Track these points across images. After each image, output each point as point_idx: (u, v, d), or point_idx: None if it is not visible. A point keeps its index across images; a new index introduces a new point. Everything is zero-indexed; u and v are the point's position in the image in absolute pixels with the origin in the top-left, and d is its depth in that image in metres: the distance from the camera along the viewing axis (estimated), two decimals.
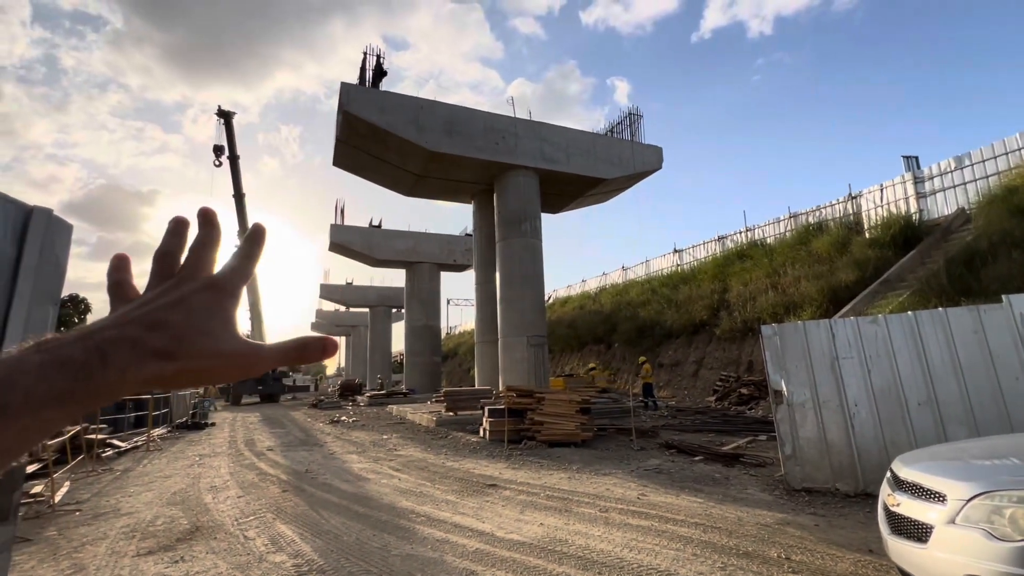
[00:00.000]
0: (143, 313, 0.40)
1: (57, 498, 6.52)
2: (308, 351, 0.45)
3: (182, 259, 0.46)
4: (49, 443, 7.42)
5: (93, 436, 9.96)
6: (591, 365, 21.38)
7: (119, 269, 0.46)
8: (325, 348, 0.45)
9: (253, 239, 0.48)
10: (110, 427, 13.12)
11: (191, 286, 0.43)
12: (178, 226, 0.48)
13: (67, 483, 7.60)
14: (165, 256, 0.46)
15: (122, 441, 12.01)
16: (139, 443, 12.16)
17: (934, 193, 16.07)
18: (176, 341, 0.38)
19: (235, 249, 0.47)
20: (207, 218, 0.48)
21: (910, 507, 3.00)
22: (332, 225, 27.64)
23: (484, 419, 10.71)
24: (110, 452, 10.73)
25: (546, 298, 20.11)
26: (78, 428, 9.22)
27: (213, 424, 17.74)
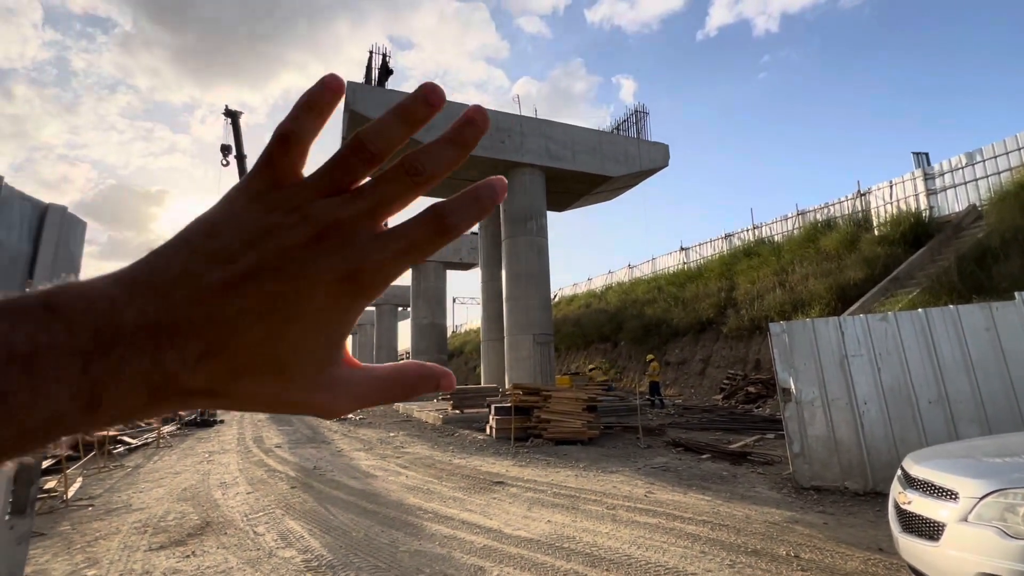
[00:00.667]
0: (212, 311, 0.23)
1: (70, 493, 6.61)
2: (410, 390, 0.29)
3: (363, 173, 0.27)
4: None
5: (104, 433, 10.08)
6: (592, 365, 21.34)
7: (310, 109, 0.27)
8: (440, 383, 0.30)
9: (489, 186, 0.28)
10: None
11: (336, 256, 0.25)
12: (432, 95, 0.28)
13: (80, 479, 7.69)
14: (367, 149, 0.26)
15: (133, 438, 12.14)
16: (149, 440, 12.28)
17: (945, 190, 15.89)
18: (230, 378, 0.23)
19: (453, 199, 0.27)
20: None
21: (922, 505, 2.98)
22: None
23: (490, 417, 10.73)
24: (121, 449, 10.85)
25: (552, 296, 20.11)
26: None
27: (222, 421, 17.89)
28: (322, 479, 7.39)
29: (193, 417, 17.36)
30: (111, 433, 10.73)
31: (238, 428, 15.62)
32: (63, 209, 2.13)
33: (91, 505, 6.33)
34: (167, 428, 14.23)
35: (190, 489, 7.09)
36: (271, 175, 0.26)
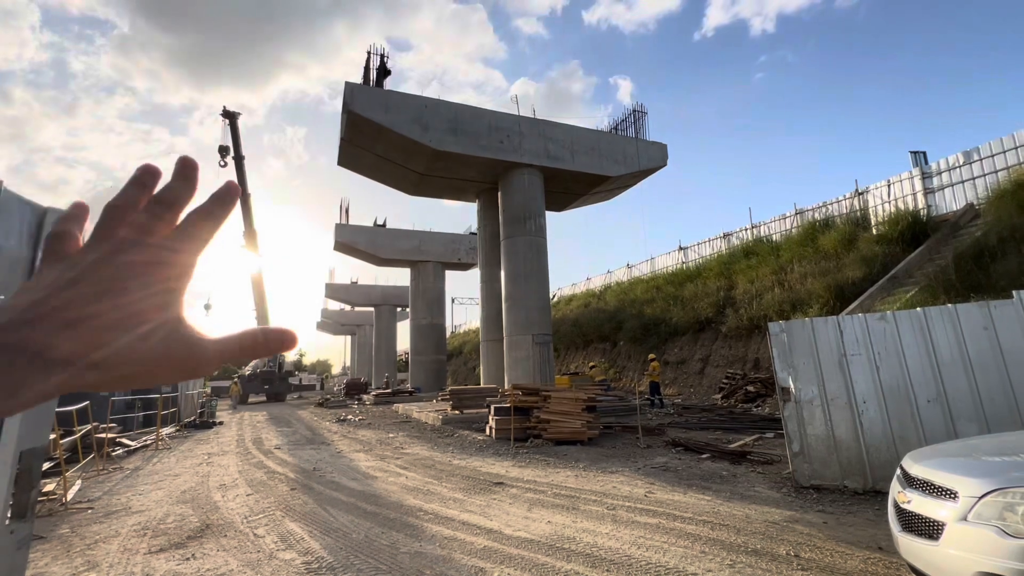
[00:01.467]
0: (55, 307, 0.31)
1: (69, 496, 6.60)
2: (261, 347, 0.39)
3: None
4: (61, 442, 7.50)
5: (103, 435, 10.07)
6: (591, 364, 21.35)
7: (69, 219, 0.38)
8: (283, 342, 0.39)
9: (220, 198, 0.40)
10: (119, 426, 13.25)
11: (131, 256, 0.35)
12: (144, 175, 0.39)
13: (79, 481, 7.68)
14: (117, 210, 0.37)
15: (131, 440, 12.13)
16: (148, 442, 12.27)
17: (942, 188, 15.92)
18: (96, 345, 0.31)
19: (193, 209, 0.39)
20: (184, 170, 0.39)
21: (921, 504, 2.99)
22: (337, 225, 27.72)
23: (490, 417, 10.73)
24: (120, 451, 10.84)
25: (551, 296, 20.10)
26: (88, 427, 9.32)
27: (221, 423, 17.87)
28: (322, 480, 7.39)
29: (192, 419, 17.33)
30: (111, 435, 10.71)
31: (237, 430, 15.60)
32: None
33: (90, 508, 6.32)
34: (166, 430, 14.21)
35: (189, 491, 7.08)
36: (67, 247, 0.36)
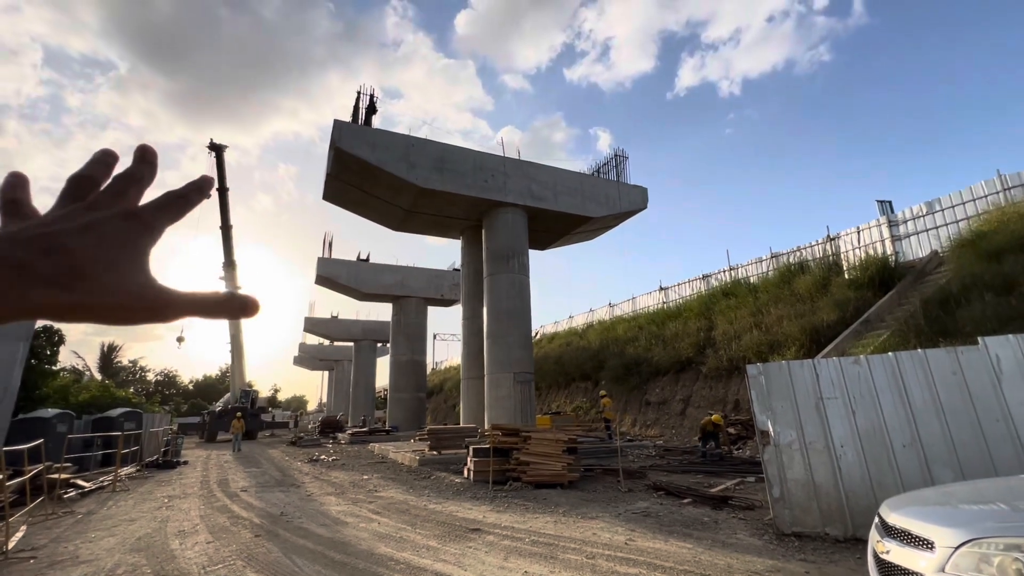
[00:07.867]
0: (38, 234, 0.35)
1: (11, 544, 6.14)
2: (224, 308, 0.40)
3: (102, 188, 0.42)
4: (8, 483, 7.03)
5: (55, 476, 9.48)
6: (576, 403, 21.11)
7: (14, 187, 0.40)
8: (245, 307, 0.41)
9: (195, 186, 0.43)
10: (75, 466, 12.51)
11: (103, 213, 0.38)
12: (106, 156, 0.43)
13: (23, 527, 7.16)
14: (82, 180, 0.40)
15: (87, 481, 11.43)
16: (105, 483, 11.57)
17: (908, 236, 16.64)
18: (73, 271, 0.34)
19: (170, 190, 0.43)
20: (144, 156, 0.43)
21: (899, 555, 2.95)
22: (319, 258, 27.56)
23: (468, 458, 10.44)
24: (73, 493, 10.19)
25: (533, 334, 20.05)
26: (40, 467, 8.76)
27: (186, 462, 17.01)
28: (289, 526, 7.01)
29: (155, 459, 16.47)
30: (64, 476, 10.08)
31: (203, 470, 14.85)
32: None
33: (34, 557, 5.86)
34: (126, 470, 13.45)
35: (145, 538, 6.64)
36: (24, 211, 0.39)
